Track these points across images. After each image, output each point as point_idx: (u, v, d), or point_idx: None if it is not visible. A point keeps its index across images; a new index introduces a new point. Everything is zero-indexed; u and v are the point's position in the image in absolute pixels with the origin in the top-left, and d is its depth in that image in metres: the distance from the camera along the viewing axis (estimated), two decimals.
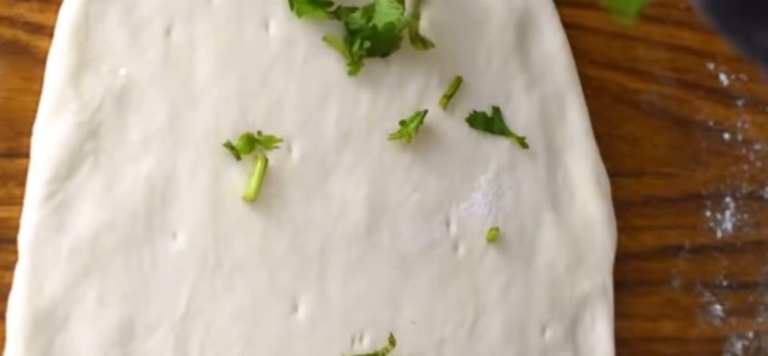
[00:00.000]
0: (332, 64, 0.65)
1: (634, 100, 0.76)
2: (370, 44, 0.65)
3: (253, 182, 0.61)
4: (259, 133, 0.62)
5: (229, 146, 0.61)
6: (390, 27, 0.65)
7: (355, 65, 0.65)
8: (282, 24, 0.64)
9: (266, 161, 0.61)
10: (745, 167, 0.78)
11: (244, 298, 0.61)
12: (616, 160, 0.74)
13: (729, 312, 0.77)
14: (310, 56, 0.64)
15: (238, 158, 0.61)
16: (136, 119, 0.60)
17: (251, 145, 0.61)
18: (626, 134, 0.75)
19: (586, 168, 0.71)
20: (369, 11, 0.65)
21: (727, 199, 0.77)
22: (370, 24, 0.65)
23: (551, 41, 0.72)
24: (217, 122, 0.61)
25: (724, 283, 0.77)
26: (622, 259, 0.73)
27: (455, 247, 0.67)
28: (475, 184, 0.68)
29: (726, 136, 0.78)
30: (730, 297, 0.77)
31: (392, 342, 0.63)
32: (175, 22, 0.62)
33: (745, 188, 0.78)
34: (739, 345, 0.77)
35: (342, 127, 0.65)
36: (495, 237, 0.67)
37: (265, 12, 0.64)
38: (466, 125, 0.68)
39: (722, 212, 0.77)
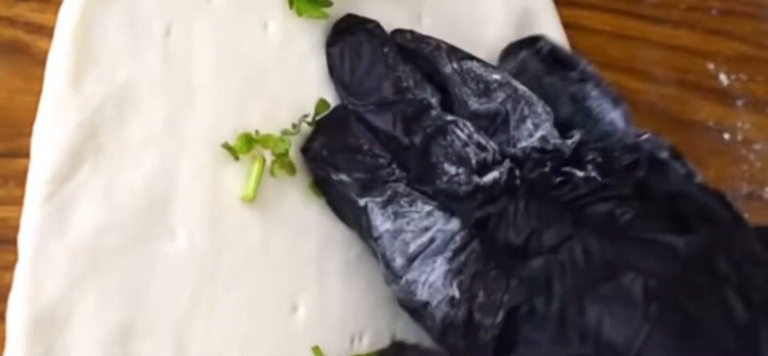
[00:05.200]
0: None
1: (634, 100, 0.76)
2: None
3: (251, 183, 0.61)
4: (257, 132, 0.62)
5: (226, 146, 0.61)
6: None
7: None
8: (281, 24, 0.64)
9: (264, 160, 0.61)
10: (745, 167, 0.78)
11: (244, 298, 0.61)
12: None
13: None
14: (310, 56, 0.64)
15: (237, 158, 0.61)
16: (135, 119, 0.60)
17: (249, 145, 0.61)
18: None
19: None
20: None
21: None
22: None
23: None
24: (216, 122, 0.61)
25: None
26: None
27: None
28: None
29: (726, 136, 0.78)
30: None
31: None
32: (175, 21, 0.62)
33: (745, 188, 0.78)
34: None
35: None
36: None
37: (264, 12, 0.64)
38: None
39: None
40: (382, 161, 0.60)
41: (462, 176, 0.57)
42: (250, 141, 0.61)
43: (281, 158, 0.62)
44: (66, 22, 0.60)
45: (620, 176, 0.57)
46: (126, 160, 0.60)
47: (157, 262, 0.59)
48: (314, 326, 0.62)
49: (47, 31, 0.61)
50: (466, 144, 0.57)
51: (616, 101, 0.62)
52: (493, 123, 0.59)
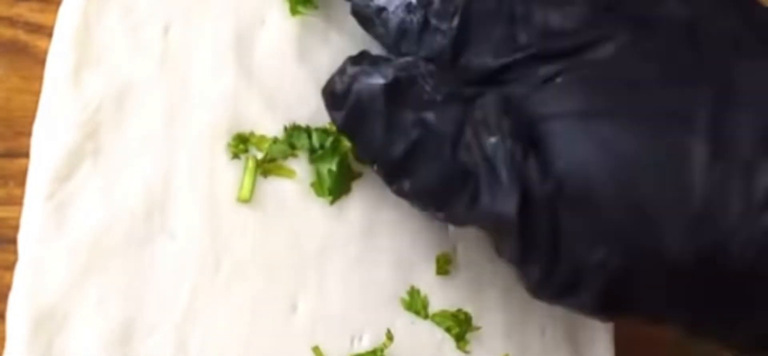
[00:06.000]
0: (329, 61, 0.65)
1: None
2: None
3: (246, 183, 0.61)
4: (252, 133, 0.62)
5: (225, 145, 0.61)
6: None
7: None
8: (278, 23, 0.64)
9: (256, 161, 0.61)
10: None
11: (244, 298, 0.61)
12: None
13: None
14: (308, 53, 0.64)
15: (233, 157, 0.61)
16: (135, 119, 0.60)
17: (245, 145, 0.61)
18: None
19: None
20: None
21: None
22: None
23: None
24: (214, 121, 0.61)
25: None
26: None
27: (455, 247, 0.67)
28: None
29: None
30: None
31: (390, 337, 0.63)
32: (173, 20, 0.62)
33: None
34: None
35: None
36: None
37: (262, 10, 0.64)
38: None
39: None
40: None
41: None
42: (244, 141, 0.61)
43: (271, 161, 0.62)
44: (66, 21, 0.60)
45: None
46: (126, 159, 0.60)
47: (156, 261, 0.60)
48: (314, 326, 0.62)
49: (47, 31, 0.61)
50: None
51: None
52: None
